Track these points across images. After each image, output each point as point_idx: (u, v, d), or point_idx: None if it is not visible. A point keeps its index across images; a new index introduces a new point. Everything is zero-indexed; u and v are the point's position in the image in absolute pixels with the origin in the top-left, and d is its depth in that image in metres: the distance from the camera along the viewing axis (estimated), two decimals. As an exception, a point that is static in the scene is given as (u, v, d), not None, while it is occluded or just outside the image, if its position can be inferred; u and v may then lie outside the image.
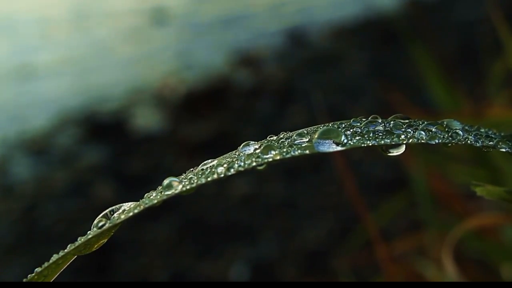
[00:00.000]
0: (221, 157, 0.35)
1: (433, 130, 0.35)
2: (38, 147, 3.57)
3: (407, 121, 0.36)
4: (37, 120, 3.87)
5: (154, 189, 0.35)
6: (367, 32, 4.62)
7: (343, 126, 0.35)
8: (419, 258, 1.35)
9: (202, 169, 0.34)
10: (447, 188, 1.37)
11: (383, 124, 0.35)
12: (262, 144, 0.34)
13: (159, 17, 5.40)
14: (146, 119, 3.80)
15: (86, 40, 5.25)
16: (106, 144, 3.52)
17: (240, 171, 0.32)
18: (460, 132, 0.36)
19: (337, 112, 3.25)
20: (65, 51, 5.02)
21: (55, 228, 2.76)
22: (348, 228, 2.30)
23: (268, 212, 2.71)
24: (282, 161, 0.32)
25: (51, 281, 0.34)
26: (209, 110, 3.72)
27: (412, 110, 1.49)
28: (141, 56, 4.84)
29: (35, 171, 3.33)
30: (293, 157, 0.32)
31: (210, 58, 4.61)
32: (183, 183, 0.33)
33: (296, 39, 4.79)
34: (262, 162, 0.32)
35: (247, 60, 4.44)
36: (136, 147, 3.42)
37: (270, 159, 0.32)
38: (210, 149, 3.24)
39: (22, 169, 3.37)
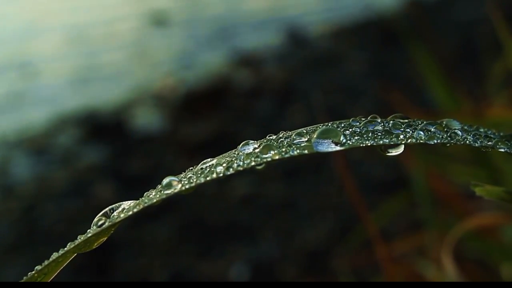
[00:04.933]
0: (220, 156, 0.35)
1: (432, 130, 0.35)
2: (38, 147, 3.57)
3: (406, 121, 0.36)
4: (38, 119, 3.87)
5: (154, 188, 0.35)
6: (367, 32, 4.62)
7: (342, 125, 0.35)
8: (419, 258, 1.35)
9: (201, 168, 0.34)
10: (447, 188, 1.37)
11: (382, 124, 0.35)
12: (261, 144, 0.34)
13: (158, 18, 5.41)
14: (146, 119, 3.80)
15: (86, 40, 5.25)
16: (106, 144, 3.52)
17: (239, 171, 0.32)
18: (459, 132, 0.35)
19: (337, 112, 3.25)
20: (66, 52, 5.02)
21: (55, 228, 2.76)
22: (348, 228, 2.30)
23: (268, 212, 2.71)
24: (281, 160, 0.32)
25: (51, 279, 0.34)
26: (209, 110, 3.72)
27: (412, 110, 1.49)
28: (141, 56, 4.84)
29: (35, 171, 3.33)
30: (292, 157, 0.32)
31: (210, 58, 4.61)
32: (183, 182, 0.33)
33: (296, 39, 4.79)
34: (261, 161, 0.32)
35: (246, 60, 4.44)
36: (136, 147, 3.42)
37: (269, 159, 0.32)
38: (210, 149, 3.24)
39: (22, 169, 3.37)
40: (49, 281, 0.34)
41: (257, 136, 0.37)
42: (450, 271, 0.92)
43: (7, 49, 5.17)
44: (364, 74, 3.97)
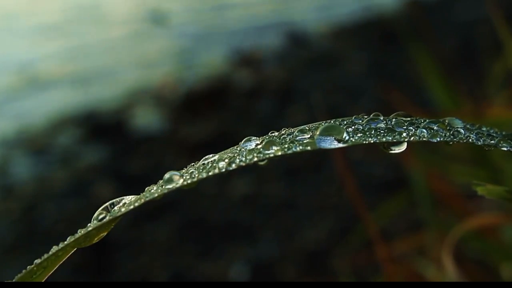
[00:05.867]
0: (223, 152, 0.34)
1: (435, 128, 0.35)
2: (38, 147, 3.56)
3: (408, 119, 0.36)
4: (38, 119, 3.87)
5: (155, 183, 0.34)
6: (367, 32, 4.62)
7: (345, 123, 0.35)
8: (419, 258, 1.35)
9: (204, 164, 0.34)
10: (447, 188, 1.37)
11: (384, 122, 0.35)
12: (263, 140, 0.34)
13: (158, 18, 5.41)
14: (146, 119, 3.79)
15: (86, 41, 5.25)
16: (106, 144, 3.52)
17: (242, 166, 0.32)
18: (462, 131, 0.35)
19: (337, 112, 3.25)
20: (65, 52, 5.02)
21: (55, 228, 2.76)
22: (348, 228, 2.30)
23: (268, 212, 2.71)
24: (283, 158, 0.32)
25: (50, 274, 0.34)
26: (209, 110, 3.72)
27: (412, 110, 1.49)
28: (141, 56, 4.84)
29: (35, 171, 3.33)
30: (295, 153, 0.31)
31: (210, 58, 4.61)
32: (184, 177, 0.33)
33: (296, 39, 4.79)
34: (264, 157, 0.32)
35: (247, 60, 4.44)
36: (136, 147, 3.42)
37: (272, 155, 0.32)
38: (210, 149, 3.23)
39: (22, 169, 3.37)
40: (48, 275, 0.34)
41: (257, 136, 0.37)
42: (450, 271, 0.92)
43: (9, 49, 5.17)
44: (364, 74, 3.97)
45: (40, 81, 4.48)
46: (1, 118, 3.98)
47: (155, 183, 0.35)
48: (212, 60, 4.55)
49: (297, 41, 4.76)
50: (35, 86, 4.41)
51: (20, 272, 0.34)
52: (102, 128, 3.69)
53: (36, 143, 3.61)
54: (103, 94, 4.16)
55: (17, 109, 4.09)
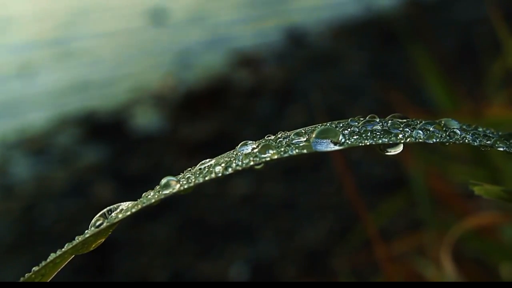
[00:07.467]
0: (219, 156, 0.35)
1: (431, 129, 0.35)
2: (38, 147, 3.56)
3: (405, 120, 0.36)
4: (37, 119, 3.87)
5: (152, 189, 0.35)
6: (367, 32, 4.62)
7: (341, 125, 0.35)
8: (419, 258, 1.36)
9: (200, 169, 0.34)
10: (447, 188, 1.37)
11: (381, 124, 0.35)
12: (260, 144, 0.34)
13: (158, 17, 5.40)
14: (146, 119, 3.79)
15: (86, 39, 5.25)
16: (106, 144, 3.52)
17: (238, 170, 0.32)
18: (458, 131, 0.36)
19: (336, 112, 3.25)
20: (64, 51, 5.02)
21: (54, 228, 2.76)
22: (348, 228, 2.30)
23: (268, 212, 2.71)
24: (281, 160, 0.32)
25: (49, 280, 0.34)
26: (209, 110, 3.72)
27: (411, 109, 1.49)
28: (140, 56, 4.84)
29: (35, 171, 3.33)
30: (291, 157, 0.32)
31: (210, 57, 4.61)
32: (181, 182, 0.33)
33: (296, 39, 4.79)
34: (260, 161, 0.32)
35: (246, 60, 4.44)
36: (135, 147, 3.42)
37: (268, 159, 0.32)
38: (210, 149, 3.24)
39: (22, 169, 3.37)
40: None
41: (257, 135, 0.38)
42: (449, 271, 0.92)
43: (8, 48, 5.17)
44: (363, 73, 3.97)
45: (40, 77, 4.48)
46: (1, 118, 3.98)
47: (155, 184, 0.35)
48: (211, 60, 4.55)
49: (297, 41, 4.76)
50: (35, 82, 4.41)
51: (20, 273, 0.34)
52: (101, 128, 3.69)
53: (35, 143, 3.61)
54: (103, 93, 4.16)
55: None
